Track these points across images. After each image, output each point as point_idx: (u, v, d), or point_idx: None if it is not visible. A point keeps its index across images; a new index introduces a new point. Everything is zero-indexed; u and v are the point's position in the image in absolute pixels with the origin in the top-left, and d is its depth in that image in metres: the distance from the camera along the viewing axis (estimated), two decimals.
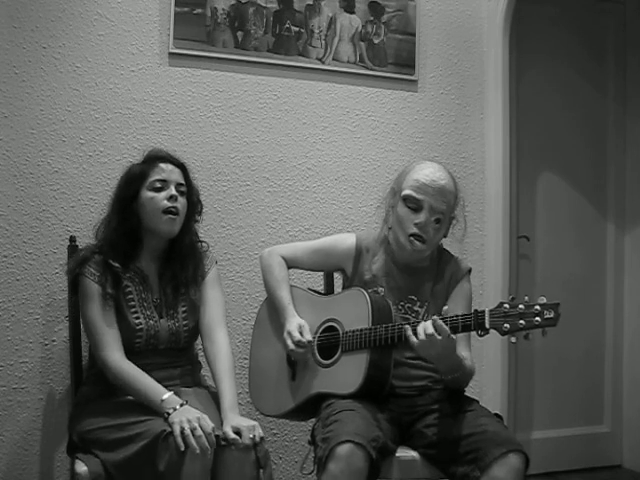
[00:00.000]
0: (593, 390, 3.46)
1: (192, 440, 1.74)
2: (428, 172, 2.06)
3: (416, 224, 2.04)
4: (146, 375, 1.93)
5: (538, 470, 3.18)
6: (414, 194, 2.05)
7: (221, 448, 1.82)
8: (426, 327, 1.84)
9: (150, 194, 2.04)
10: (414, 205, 2.05)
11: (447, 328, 1.82)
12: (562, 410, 3.39)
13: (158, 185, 2.05)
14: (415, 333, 1.86)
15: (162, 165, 2.08)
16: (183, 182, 2.10)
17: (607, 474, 3.37)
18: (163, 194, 2.04)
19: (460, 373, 1.98)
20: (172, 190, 2.05)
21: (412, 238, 2.06)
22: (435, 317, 1.84)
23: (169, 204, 2.04)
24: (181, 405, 1.85)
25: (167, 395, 1.88)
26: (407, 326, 1.89)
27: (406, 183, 2.08)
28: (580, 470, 3.36)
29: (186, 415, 1.80)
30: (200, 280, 2.15)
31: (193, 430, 1.76)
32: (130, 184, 2.07)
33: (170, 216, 2.04)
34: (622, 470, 3.44)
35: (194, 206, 2.16)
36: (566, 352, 3.35)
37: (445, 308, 1.90)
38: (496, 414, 2.04)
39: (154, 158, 2.10)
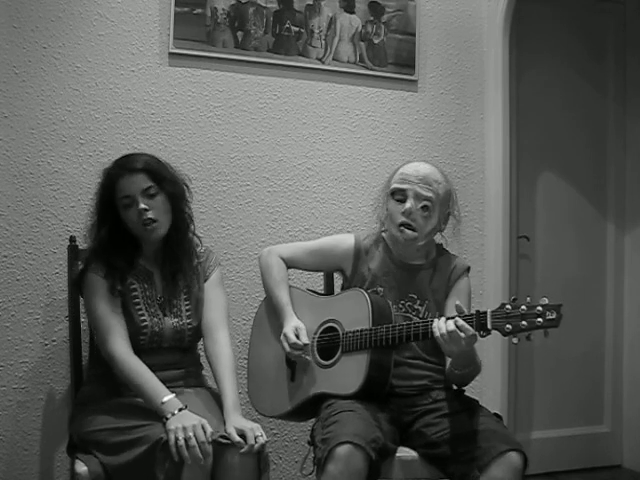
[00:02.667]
0: (593, 390, 3.46)
1: (184, 451, 1.74)
2: (412, 165, 2.16)
3: (403, 212, 2.09)
4: (151, 373, 1.92)
5: (538, 470, 3.18)
6: (399, 185, 2.12)
7: (222, 451, 1.82)
8: (448, 324, 1.83)
9: (124, 212, 2.03)
10: (400, 196, 2.11)
11: (469, 326, 1.80)
12: (562, 410, 3.39)
13: (126, 202, 2.01)
14: (439, 329, 1.84)
15: (122, 181, 2.01)
16: (149, 184, 2.02)
17: (607, 474, 3.37)
18: (133, 209, 2.01)
19: (472, 368, 1.98)
20: (140, 204, 2.00)
21: (402, 227, 2.10)
22: (457, 317, 1.83)
23: (143, 217, 2.00)
24: (180, 410, 1.83)
25: (168, 398, 1.86)
26: (435, 320, 1.87)
27: (393, 180, 2.15)
28: (580, 470, 3.36)
29: (183, 422, 1.78)
30: (199, 270, 2.14)
31: (187, 440, 1.75)
32: (106, 202, 2.04)
33: (148, 227, 2.02)
34: (622, 470, 3.44)
35: (174, 197, 2.08)
36: (566, 352, 3.35)
37: (457, 303, 1.88)
38: (495, 414, 2.04)
39: (113, 174, 2.04)
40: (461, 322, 1.81)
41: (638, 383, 3.42)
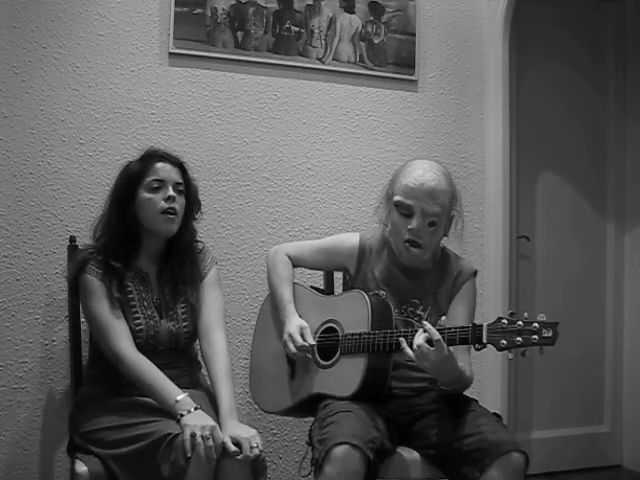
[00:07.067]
0: (593, 390, 3.46)
1: (201, 448, 1.74)
2: (417, 175, 2.00)
3: (409, 230, 2.01)
4: (160, 372, 1.92)
5: (538, 470, 3.19)
6: (404, 200, 2.00)
7: (221, 455, 1.81)
8: (416, 338, 1.81)
9: (148, 195, 2.03)
10: (405, 211, 2.01)
11: (440, 337, 1.78)
12: (562, 410, 3.39)
13: (155, 185, 2.03)
14: (411, 344, 1.83)
15: (159, 165, 2.06)
16: (181, 181, 2.09)
17: (607, 474, 3.37)
18: (160, 195, 2.03)
19: (457, 385, 1.95)
20: (170, 191, 2.04)
21: (407, 244, 2.03)
22: (426, 324, 1.81)
23: (167, 205, 2.02)
24: (195, 409, 1.84)
25: (182, 396, 1.86)
26: (402, 338, 1.86)
27: (397, 188, 2.04)
28: (580, 470, 3.36)
29: (200, 421, 1.79)
30: (198, 280, 2.14)
31: (206, 439, 1.75)
32: (127, 184, 2.05)
33: (168, 216, 2.03)
34: (622, 470, 3.44)
35: (192, 205, 2.14)
36: (566, 352, 3.34)
37: (443, 318, 1.87)
38: (495, 413, 2.04)
39: (151, 157, 2.08)
40: (437, 337, 1.78)
41: (638, 383, 3.42)
